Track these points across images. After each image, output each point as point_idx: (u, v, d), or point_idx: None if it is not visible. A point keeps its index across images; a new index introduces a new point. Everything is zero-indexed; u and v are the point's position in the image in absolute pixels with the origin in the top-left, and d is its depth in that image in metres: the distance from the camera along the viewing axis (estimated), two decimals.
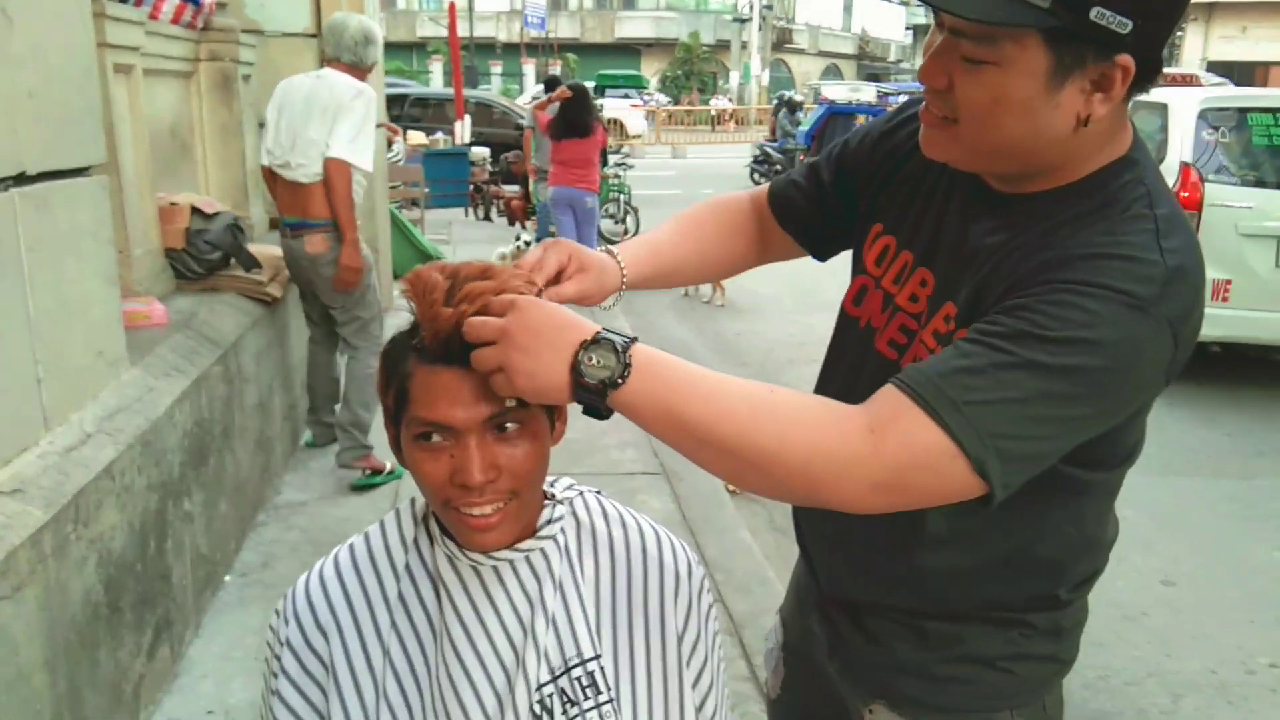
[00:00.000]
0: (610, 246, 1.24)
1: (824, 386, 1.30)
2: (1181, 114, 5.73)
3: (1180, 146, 5.63)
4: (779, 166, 15.98)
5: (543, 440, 0.99)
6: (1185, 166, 5.54)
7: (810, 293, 7.96)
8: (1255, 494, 4.44)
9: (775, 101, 17.49)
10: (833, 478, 0.90)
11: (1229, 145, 5.69)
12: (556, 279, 1.11)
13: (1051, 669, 1.20)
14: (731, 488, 4.24)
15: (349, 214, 3.83)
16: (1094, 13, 0.89)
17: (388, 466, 4.07)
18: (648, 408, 0.91)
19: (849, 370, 1.24)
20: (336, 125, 3.78)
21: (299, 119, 3.81)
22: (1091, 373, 0.91)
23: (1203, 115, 5.68)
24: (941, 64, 0.98)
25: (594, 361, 0.89)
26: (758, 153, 18.19)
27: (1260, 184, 5.61)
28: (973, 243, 1.07)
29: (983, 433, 0.89)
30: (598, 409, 0.91)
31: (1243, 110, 5.73)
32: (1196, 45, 34.65)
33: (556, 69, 28.66)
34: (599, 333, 0.90)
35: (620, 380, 0.89)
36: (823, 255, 1.39)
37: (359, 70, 4.00)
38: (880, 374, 1.11)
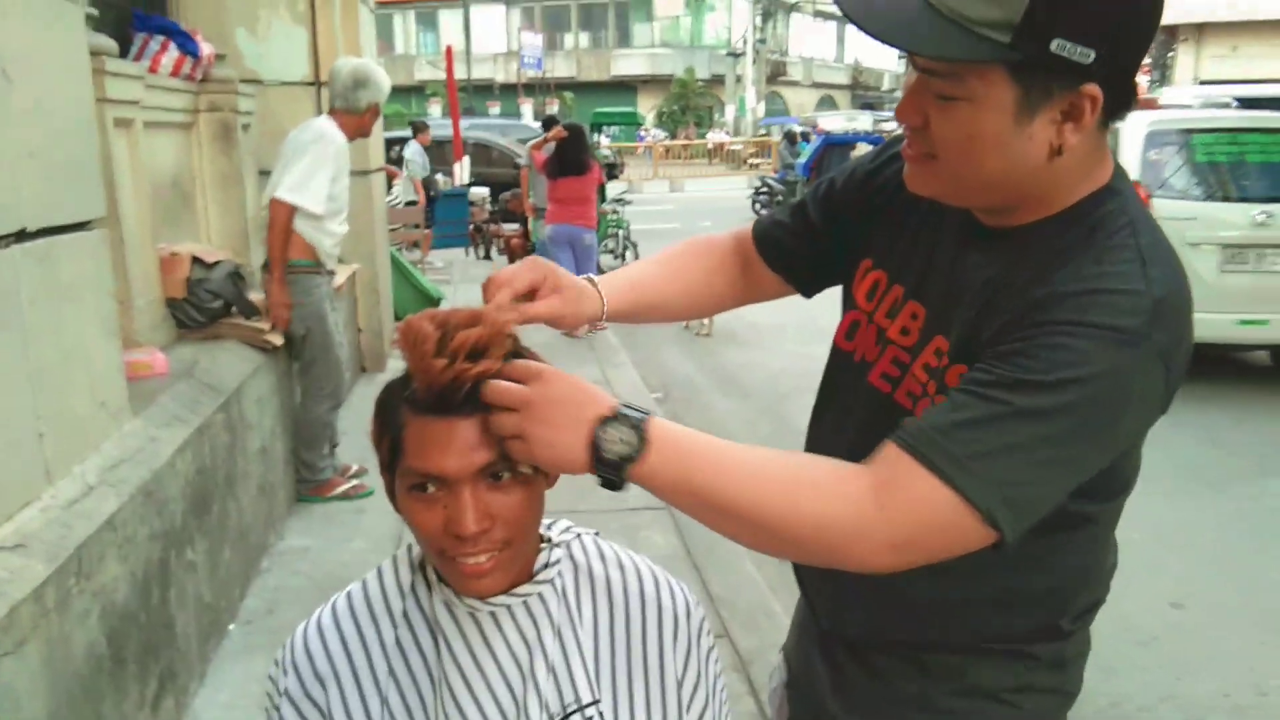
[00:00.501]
0: (592, 275, 1.24)
1: (817, 420, 1.31)
2: (1131, 135, 6.24)
3: (1129, 165, 6.03)
4: (779, 198, 16.10)
5: (536, 486, 0.99)
6: (1135, 183, 5.80)
7: (811, 323, 7.94)
8: (1261, 512, 4.42)
9: (765, 131, 17.68)
10: (846, 542, 0.92)
11: (1174, 163, 6.26)
12: (530, 296, 1.11)
13: (1056, 700, 1.20)
14: None
15: (279, 251, 3.95)
16: (1054, 45, 0.90)
17: (343, 487, 4.32)
18: (665, 482, 0.93)
19: (842, 405, 1.25)
20: (289, 168, 3.92)
21: (277, 165, 3.99)
22: (1086, 411, 0.92)
23: (1150, 136, 6.23)
24: (917, 102, 1.00)
25: (613, 438, 0.91)
26: (759, 184, 18.39)
27: (1203, 198, 6.20)
28: (963, 277, 1.08)
29: (989, 484, 0.90)
30: (613, 483, 0.93)
31: (1186, 131, 6.31)
32: (1188, 65, 34.83)
33: (554, 108, 28.90)
34: (618, 409, 0.92)
35: (637, 456, 0.91)
36: (809, 293, 1.40)
37: (353, 115, 4.07)
38: (874, 407, 1.12)
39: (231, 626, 3.19)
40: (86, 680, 2.03)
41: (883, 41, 0.96)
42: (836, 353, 1.28)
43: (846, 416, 1.22)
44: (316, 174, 3.91)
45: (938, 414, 0.95)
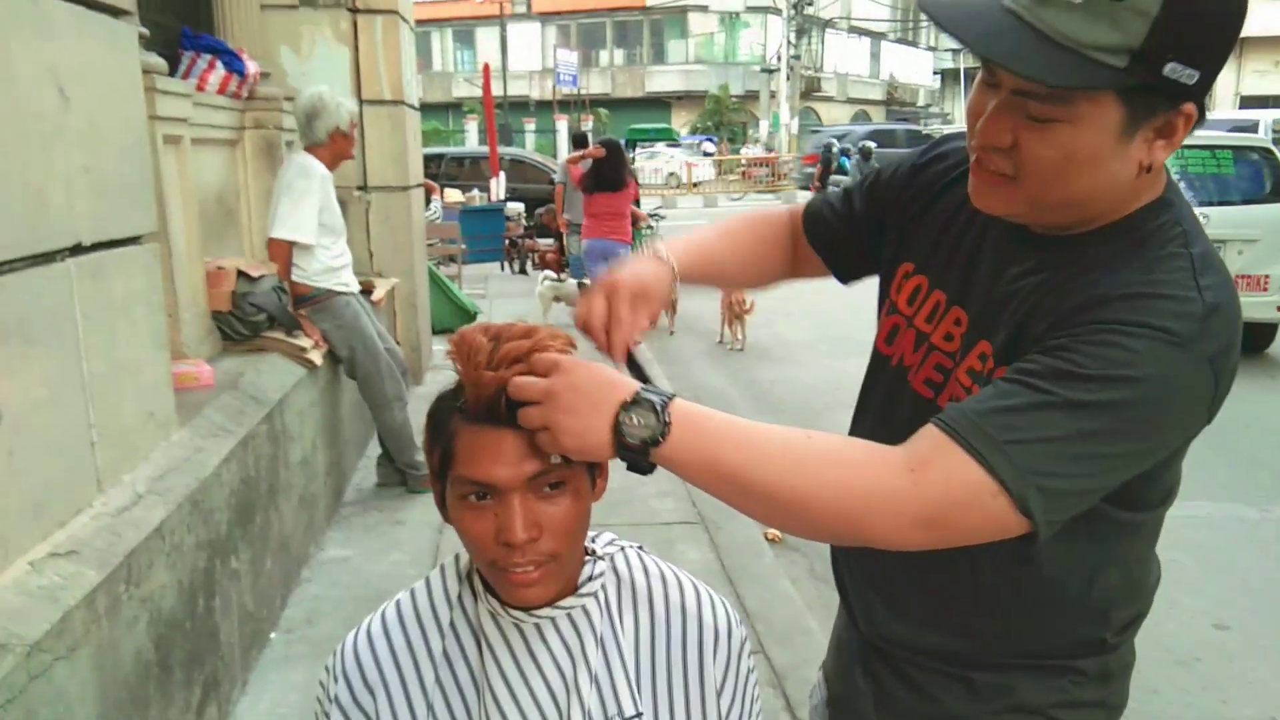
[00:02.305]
0: (658, 246, 1.24)
1: (859, 424, 1.31)
2: None
3: None
4: None
5: (584, 498, 1.01)
6: None
7: (842, 338, 7.96)
8: None
9: (818, 149, 17.81)
10: (873, 514, 0.92)
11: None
12: (613, 317, 1.11)
13: (1101, 715, 1.19)
14: (771, 535, 4.22)
15: (296, 288, 4.14)
16: (1169, 69, 0.89)
17: None
18: (690, 461, 0.93)
19: (883, 408, 1.25)
20: (278, 205, 4.06)
21: (271, 203, 4.17)
22: (1131, 410, 0.92)
23: None
24: (1007, 123, 0.97)
25: (635, 421, 0.92)
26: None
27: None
28: (1009, 284, 1.08)
29: (1024, 470, 0.90)
30: (640, 465, 0.94)
31: None
32: (1230, 81, 34.45)
33: (589, 124, 29.08)
34: (638, 392, 0.93)
35: (661, 438, 0.92)
36: (846, 278, 1.41)
37: (320, 147, 4.17)
38: (917, 412, 1.12)
39: (273, 635, 3.23)
40: (134, 686, 2.07)
41: (997, 63, 0.94)
42: (877, 356, 1.28)
43: (887, 420, 1.22)
44: (301, 205, 4.02)
45: (979, 399, 0.96)
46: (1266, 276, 7.16)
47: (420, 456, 4.54)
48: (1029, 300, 1.04)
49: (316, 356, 4.04)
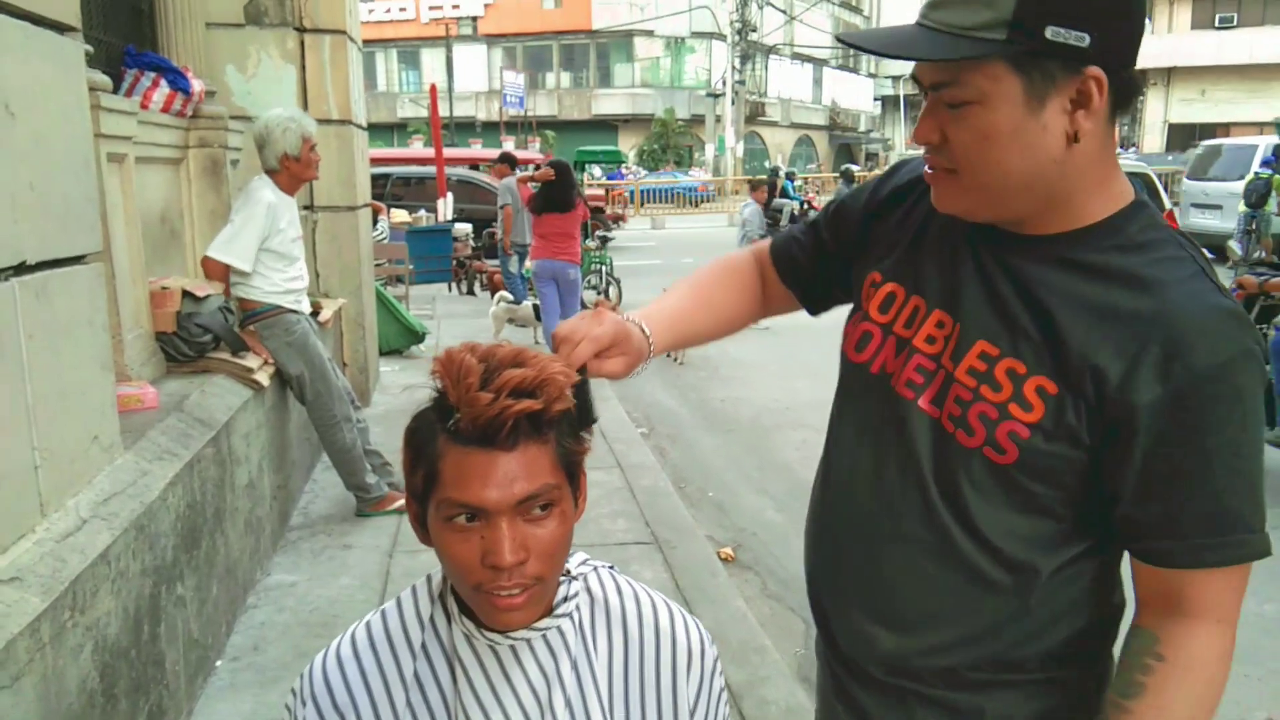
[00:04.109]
0: (634, 317, 1.26)
1: (837, 436, 1.29)
2: None
3: None
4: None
5: (569, 520, 1.00)
6: None
7: (790, 357, 8.04)
8: None
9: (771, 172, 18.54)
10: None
11: None
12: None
13: None
14: (724, 554, 4.24)
15: (238, 300, 4.14)
16: (1049, 32, 0.97)
17: (400, 502, 4.47)
18: None
19: (863, 417, 1.24)
20: (225, 227, 4.09)
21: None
22: (1253, 423, 1.03)
23: None
24: (932, 121, 1.06)
25: None
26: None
27: None
28: (993, 282, 1.11)
29: (1256, 526, 1.03)
30: None
31: None
32: (1158, 109, 35.64)
33: (536, 145, 29.12)
34: None
35: None
36: (816, 310, 1.44)
37: (275, 173, 4.18)
38: (898, 414, 1.15)
39: (219, 663, 3.16)
40: (79, 716, 2.01)
41: (889, 55, 1.04)
42: (848, 366, 1.28)
43: (868, 428, 1.22)
44: (242, 233, 4.01)
45: (1192, 506, 1.03)
46: None
47: (371, 479, 4.49)
48: (1025, 295, 1.08)
49: (263, 377, 3.98)
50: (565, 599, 1.06)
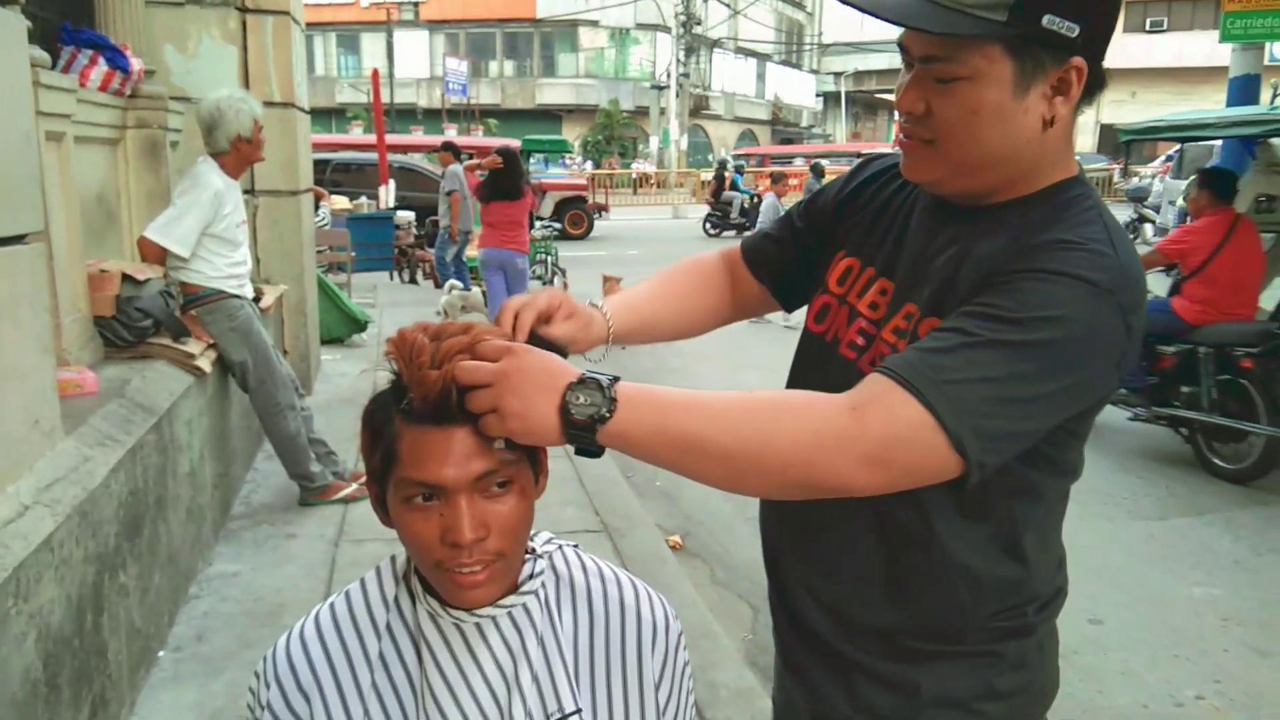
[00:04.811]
0: (595, 301, 1.29)
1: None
2: None
3: None
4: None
5: (529, 497, 1.01)
6: None
7: (738, 350, 8.10)
8: (1170, 533, 4.63)
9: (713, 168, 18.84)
10: (823, 455, 0.96)
11: None
12: (546, 320, 1.16)
13: (1024, 702, 1.22)
14: (673, 542, 4.27)
15: (180, 284, 4.08)
16: (1046, 20, 1.00)
17: (345, 491, 4.49)
18: (639, 433, 0.96)
19: (809, 382, 1.28)
20: (166, 209, 4.01)
21: None
22: (1056, 349, 0.99)
23: None
24: (917, 92, 1.09)
25: (581, 400, 0.94)
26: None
27: None
28: (934, 250, 1.15)
29: (959, 409, 0.96)
30: (589, 448, 0.96)
31: None
32: (1090, 110, 36.46)
33: (479, 133, 28.84)
34: (584, 374, 0.96)
35: (608, 414, 0.94)
36: (790, 304, 1.46)
37: (223, 155, 4.09)
38: (841, 374, 1.17)
39: (161, 654, 3.09)
40: (22, 705, 1.96)
41: (895, 22, 1.04)
42: (806, 335, 1.33)
43: (817, 389, 1.24)
44: (185, 217, 3.93)
45: (917, 346, 1.03)
46: None
47: (316, 468, 4.43)
48: (953, 261, 1.12)
49: (205, 363, 3.90)
50: (530, 576, 1.06)
